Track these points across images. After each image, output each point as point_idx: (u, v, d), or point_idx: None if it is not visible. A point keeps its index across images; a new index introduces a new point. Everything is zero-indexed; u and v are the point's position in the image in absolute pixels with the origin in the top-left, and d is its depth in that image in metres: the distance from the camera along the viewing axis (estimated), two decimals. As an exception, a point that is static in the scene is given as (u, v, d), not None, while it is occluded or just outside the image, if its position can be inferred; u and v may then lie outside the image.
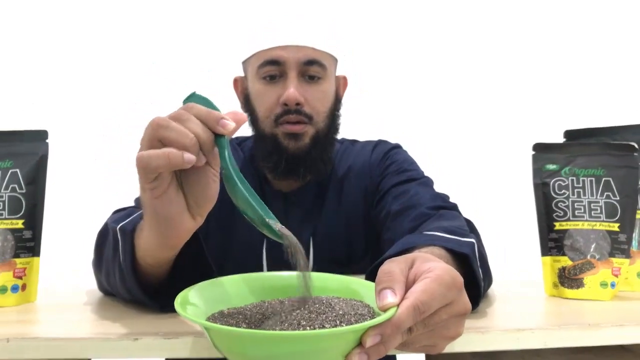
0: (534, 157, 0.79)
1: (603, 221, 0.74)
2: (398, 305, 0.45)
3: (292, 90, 0.91)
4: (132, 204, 0.91)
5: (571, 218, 0.76)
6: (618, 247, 0.74)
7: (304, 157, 0.95)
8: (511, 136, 2.16)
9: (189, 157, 0.52)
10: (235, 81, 1.05)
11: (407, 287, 0.47)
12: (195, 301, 0.52)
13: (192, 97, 0.59)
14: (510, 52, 2.31)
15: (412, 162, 1.06)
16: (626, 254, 0.74)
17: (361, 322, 0.47)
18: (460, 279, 0.50)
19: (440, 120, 2.24)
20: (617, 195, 0.74)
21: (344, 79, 1.05)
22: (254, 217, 0.55)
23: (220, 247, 0.99)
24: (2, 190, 0.74)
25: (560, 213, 0.76)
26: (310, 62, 0.93)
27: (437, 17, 2.32)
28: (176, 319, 0.62)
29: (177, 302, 0.49)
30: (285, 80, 0.93)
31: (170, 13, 2.28)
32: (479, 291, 0.65)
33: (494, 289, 0.79)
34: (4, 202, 0.73)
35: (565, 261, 0.75)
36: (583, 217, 0.75)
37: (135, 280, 0.65)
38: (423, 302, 0.46)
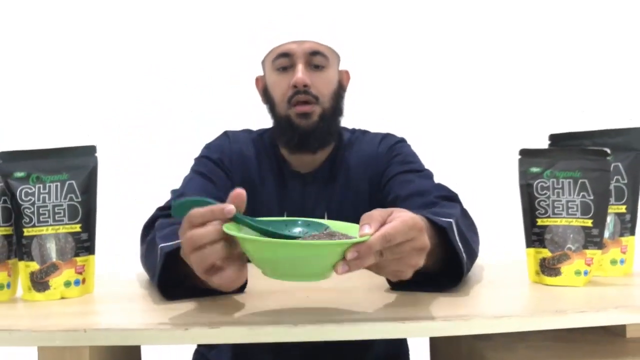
0: (520, 161, 0.90)
1: (578, 218, 0.85)
2: (372, 235, 0.64)
3: (300, 74, 1.12)
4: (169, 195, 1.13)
5: (551, 215, 0.87)
6: (591, 240, 0.85)
7: (313, 132, 1.15)
8: (504, 138, 2.25)
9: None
10: (257, 80, 1.26)
11: (383, 225, 0.66)
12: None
13: (183, 206, 0.69)
14: (506, 60, 2.35)
15: (415, 155, 1.23)
16: (598, 245, 0.85)
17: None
18: (421, 223, 0.68)
19: (437, 122, 2.31)
20: (591, 195, 0.85)
21: (347, 72, 1.25)
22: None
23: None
24: (61, 200, 0.86)
25: (542, 211, 0.87)
26: (315, 53, 1.14)
27: (429, 25, 2.35)
28: (217, 311, 0.76)
29: (226, 226, 0.66)
30: (294, 69, 1.14)
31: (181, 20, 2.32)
32: (459, 260, 0.81)
33: (487, 275, 0.92)
34: (63, 209, 0.86)
35: (545, 253, 0.87)
36: (561, 214, 0.86)
37: (164, 293, 0.82)
38: (389, 233, 0.65)
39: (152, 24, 2.31)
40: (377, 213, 0.68)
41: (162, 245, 0.82)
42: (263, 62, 1.22)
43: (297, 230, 0.75)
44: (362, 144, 1.25)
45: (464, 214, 0.98)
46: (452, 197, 1.03)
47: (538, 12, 2.41)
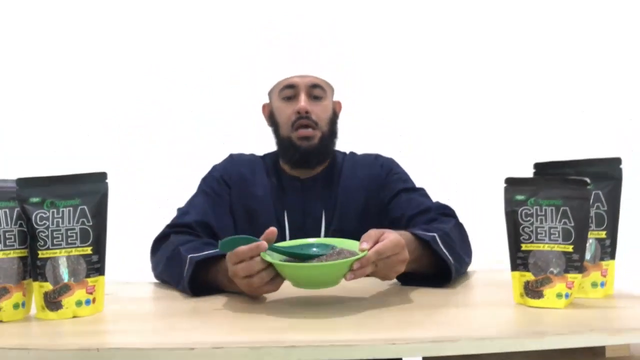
0: (506, 189, 0.96)
1: (560, 243, 0.91)
2: (369, 250, 0.91)
3: (303, 103, 1.33)
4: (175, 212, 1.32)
5: (535, 241, 0.92)
6: (572, 264, 0.90)
7: (313, 151, 1.34)
8: (491, 165, 2.30)
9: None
10: (264, 107, 1.45)
11: (377, 243, 0.92)
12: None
13: (229, 242, 0.94)
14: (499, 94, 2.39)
15: (407, 174, 1.43)
16: (579, 270, 0.91)
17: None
18: (403, 242, 0.95)
19: (433, 146, 2.34)
20: (572, 222, 0.91)
21: (339, 102, 1.46)
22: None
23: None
24: (74, 224, 0.92)
25: (526, 236, 0.93)
26: (314, 86, 1.35)
27: (417, 59, 2.38)
28: (222, 331, 0.81)
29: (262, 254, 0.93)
30: (298, 99, 1.34)
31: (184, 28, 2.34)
32: (447, 266, 1.06)
33: (476, 295, 0.97)
34: (76, 233, 0.92)
35: (529, 276, 0.92)
36: (544, 240, 0.92)
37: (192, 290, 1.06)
38: (381, 249, 0.92)
39: (153, 24, 2.31)
40: (373, 233, 0.95)
41: (192, 255, 1.07)
42: (270, 92, 1.41)
43: (314, 249, 1.00)
44: (356, 157, 1.46)
45: (457, 226, 1.21)
46: (449, 213, 1.26)
47: (532, 27, 2.45)
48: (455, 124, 2.38)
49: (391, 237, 0.93)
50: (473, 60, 2.40)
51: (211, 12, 2.38)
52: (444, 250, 1.07)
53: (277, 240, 0.99)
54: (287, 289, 0.98)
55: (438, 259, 1.07)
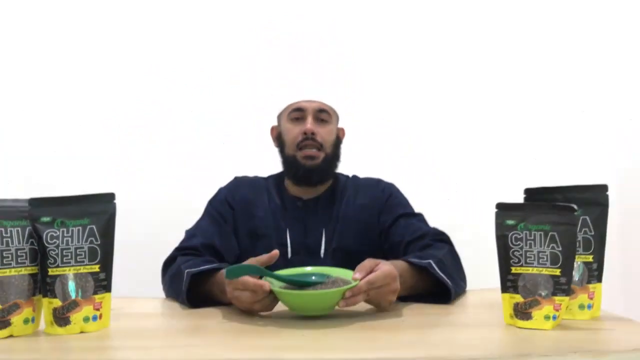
0: (497, 214, 1.00)
1: (548, 267, 0.95)
2: (361, 280, 0.98)
3: (309, 125, 1.42)
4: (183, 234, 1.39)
5: (524, 264, 0.96)
6: (559, 287, 0.94)
7: (316, 170, 1.42)
8: (490, 165, 2.33)
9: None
10: (272, 129, 1.55)
11: (370, 273, 1.00)
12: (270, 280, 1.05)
13: (236, 270, 1.02)
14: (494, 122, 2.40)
15: (406, 199, 1.47)
16: (566, 292, 0.95)
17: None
18: (395, 273, 1.03)
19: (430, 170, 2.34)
20: (560, 247, 0.95)
21: (342, 129, 1.55)
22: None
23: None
24: (82, 243, 0.96)
25: (515, 260, 0.97)
26: (321, 110, 1.45)
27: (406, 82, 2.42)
28: (222, 349, 0.85)
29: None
30: (305, 121, 1.43)
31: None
32: (447, 288, 1.13)
33: (469, 316, 1.01)
34: (84, 252, 0.96)
35: (518, 298, 0.96)
36: (533, 263, 0.96)
37: (188, 303, 1.15)
38: (372, 280, 0.99)
39: (153, 25, 2.32)
40: (367, 264, 1.03)
41: (188, 270, 1.15)
42: (279, 116, 1.51)
43: (312, 277, 1.07)
44: (357, 180, 1.53)
45: (451, 252, 1.27)
46: (444, 239, 1.33)
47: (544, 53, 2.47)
48: (456, 123, 2.38)
49: (384, 269, 1.01)
50: (473, 61, 2.37)
51: (211, 12, 2.35)
52: (441, 274, 1.14)
53: (279, 258, 1.08)
54: (286, 309, 1.03)
55: (435, 283, 1.14)
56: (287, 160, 1.45)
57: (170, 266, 1.29)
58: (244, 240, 1.40)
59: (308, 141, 1.41)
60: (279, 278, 1.06)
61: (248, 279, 1.00)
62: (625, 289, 2.23)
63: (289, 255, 1.37)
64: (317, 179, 1.44)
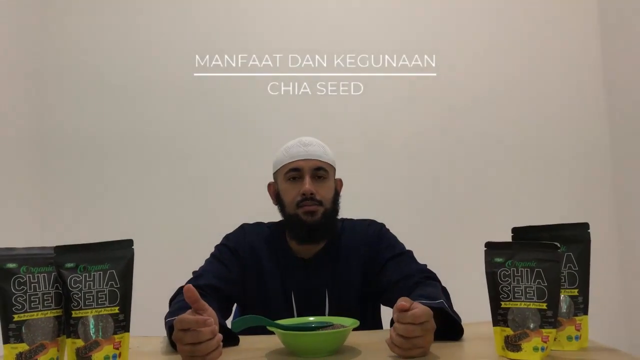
0: (486, 252, 1.08)
1: (535, 301, 1.02)
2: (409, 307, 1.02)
3: (308, 185, 1.44)
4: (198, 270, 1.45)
5: (512, 299, 1.03)
6: (546, 320, 1.01)
7: (318, 227, 1.44)
8: (491, 165, 2.39)
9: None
10: (269, 185, 1.58)
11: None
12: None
13: (241, 321, 1.09)
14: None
15: (396, 238, 1.52)
16: (553, 325, 1.01)
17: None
18: (431, 312, 1.03)
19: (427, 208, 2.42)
20: (545, 282, 1.02)
21: (340, 180, 1.59)
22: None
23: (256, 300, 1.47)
24: (103, 286, 1.04)
25: (505, 295, 1.04)
26: (318, 168, 1.47)
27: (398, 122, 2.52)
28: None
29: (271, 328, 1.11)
30: (302, 181, 1.45)
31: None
32: (458, 323, 1.17)
33: (464, 348, 1.07)
34: (105, 294, 1.04)
35: (508, 331, 1.03)
36: (521, 298, 1.03)
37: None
38: (418, 314, 1.01)
39: (153, 25, 2.42)
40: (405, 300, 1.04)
41: (168, 319, 1.18)
42: (276, 173, 1.53)
43: (313, 325, 1.14)
44: (352, 231, 1.54)
45: (444, 290, 1.33)
46: (432, 277, 1.38)
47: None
48: (450, 169, 2.47)
49: (421, 307, 1.03)
50: (475, 63, 2.53)
51: (212, 12, 2.46)
52: (452, 314, 1.18)
53: (286, 316, 1.19)
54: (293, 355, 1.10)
55: (443, 322, 1.16)
56: (289, 219, 1.47)
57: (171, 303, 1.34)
58: (249, 287, 1.46)
59: (307, 202, 1.43)
60: (282, 327, 1.12)
61: (189, 317, 1.00)
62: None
63: (295, 315, 1.43)
64: (319, 236, 1.46)
